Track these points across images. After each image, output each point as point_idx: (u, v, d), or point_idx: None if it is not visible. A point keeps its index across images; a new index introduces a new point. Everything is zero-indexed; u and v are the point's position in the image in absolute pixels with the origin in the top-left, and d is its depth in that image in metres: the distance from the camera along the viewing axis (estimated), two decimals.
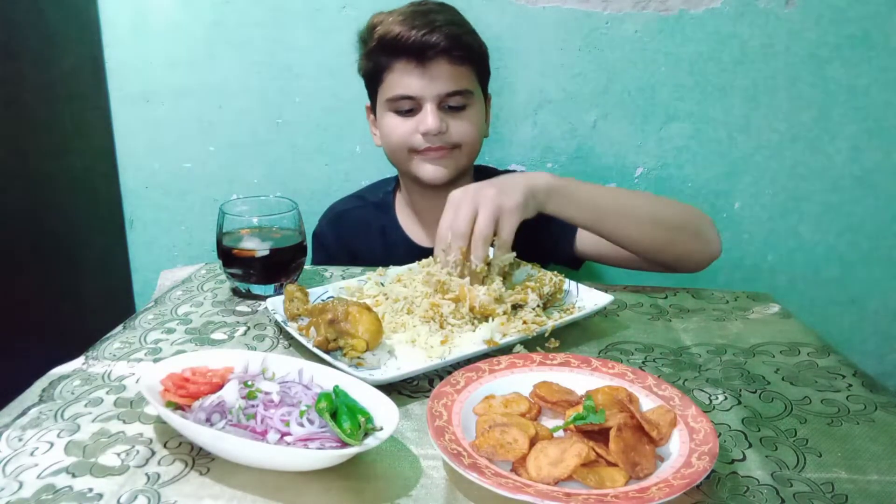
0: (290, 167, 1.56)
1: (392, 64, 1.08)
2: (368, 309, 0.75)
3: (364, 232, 1.25)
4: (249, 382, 0.62)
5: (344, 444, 0.56)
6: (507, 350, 0.77)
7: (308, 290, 0.87)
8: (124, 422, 0.63)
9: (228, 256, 0.94)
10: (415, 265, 0.94)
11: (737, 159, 1.50)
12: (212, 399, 0.59)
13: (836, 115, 1.45)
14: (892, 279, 1.56)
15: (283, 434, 0.57)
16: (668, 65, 1.44)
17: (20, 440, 0.60)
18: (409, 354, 0.75)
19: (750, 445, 0.62)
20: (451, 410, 0.62)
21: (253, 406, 0.59)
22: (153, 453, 0.58)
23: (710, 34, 1.41)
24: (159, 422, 0.63)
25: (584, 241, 1.11)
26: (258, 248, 0.93)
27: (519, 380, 0.68)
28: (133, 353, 0.77)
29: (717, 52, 1.42)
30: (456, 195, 0.87)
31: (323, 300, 0.86)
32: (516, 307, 0.84)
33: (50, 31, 1.35)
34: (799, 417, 0.67)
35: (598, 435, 0.57)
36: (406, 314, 0.83)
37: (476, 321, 0.81)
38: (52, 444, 0.59)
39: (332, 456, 0.55)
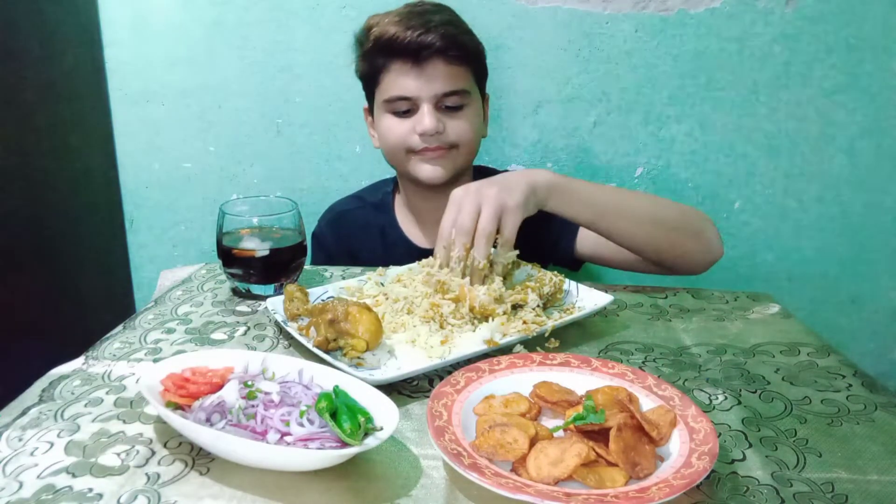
0: (290, 167, 1.56)
1: (388, 65, 1.08)
2: (368, 309, 0.75)
3: (363, 232, 1.25)
4: (249, 382, 0.62)
5: (344, 444, 0.56)
6: (507, 350, 0.77)
7: (308, 290, 0.87)
8: (124, 422, 0.63)
9: (228, 256, 0.94)
10: (415, 265, 0.94)
11: (737, 159, 1.50)
12: (212, 399, 0.59)
13: (835, 115, 1.45)
14: (892, 279, 1.56)
15: (283, 434, 0.57)
16: (668, 65, 1.44)
17: (20, 440, 0.60)
18: (409, 354, 0.75)
19: (750, 445, 0.62)
20: (451, 410, 0.62)
21: (253, 406, 0.59)
22: (153, 453, 0.58)
23: (710, 34, 1.41)
24: (159, 422, 0.63)
25: (585, 242, 1.11)
26: (258, 248, 0.93)
27: (519, 380, 0.68)
28: (133, 353, 0.77)
29: (716, 52, 1.42)
30: (458, 193, 0.87)
31: (323, 300, 0.86)
32: (516, 307, 0.84)
33: (50, 31, 1.35)
34: (799, 417, 0.67)
35: (598, 435, 0.57)
36: (406, 314, 0.83)
37: (476, 321, 0.81)
38: (52, 444, 0.59)
39: (332, 456, 0.55)
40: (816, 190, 1.51)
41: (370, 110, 1.18)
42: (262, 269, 0.94)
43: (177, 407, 0.60)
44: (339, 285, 0.93)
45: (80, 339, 0.81)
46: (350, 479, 0.56)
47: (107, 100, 1.52)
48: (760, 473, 0.57)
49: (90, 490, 0.53)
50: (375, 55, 1.09)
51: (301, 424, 0.57)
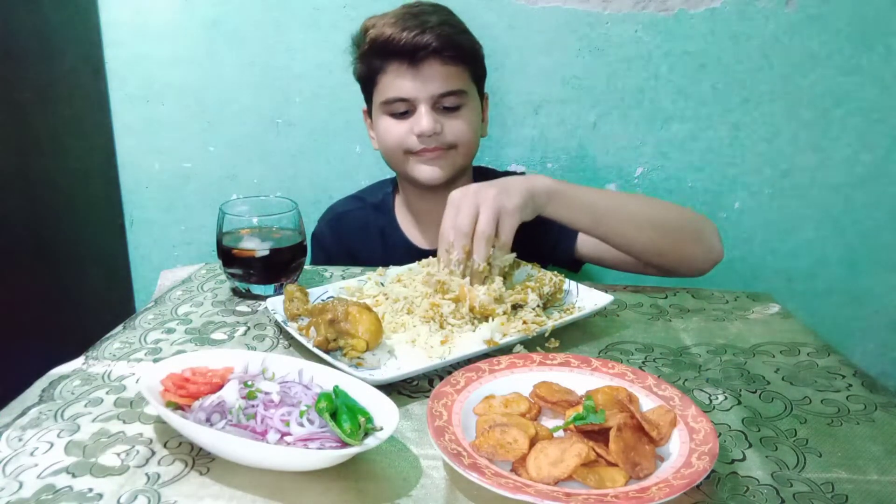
0: (290, 167, 1.56)
1: (385, 66, 1.08)
2: (368, 309, 0.75)
3: (363, 233, 1.25)
4: (249, 382, 0.62)
5: (344, 444, 0.56)
6: (507, 350, 0.77)
7: (308, 290, 0.87)
8: (124, 422, 0.63)
9: (228, 256, 0.94)
10: (415, 265, 0.94)
11: (736, 159, 1.50)
12: (212, 399, 0.59)
13: (835, 115, 1.45)
14: (892, 279, 1.56)
15: (283, 434, 0.57)
16: (668, 65, 1.44)
17: (20, 440, 0.60)
18: (409, 354, 0.75)
19: (750, 445, 0.62)
20: (451, 410, 0.62)
21: (253, 406, 0.59)
22: (153, 453, 0.58)
23: (710, 34, 1.41)
24: (159, 422, 0.63)
25: (585, 244, 1.11)
26: (258, 248, 0.93)
27: (519, 380, 0.68)
28: (133, 353, 0.77)
29: (716, 52, 1.42)
30: (456, 195, 0.87)
31: (323, 300, 0.86)
32: (516, 307, 0.84)
33: (50, 31, 1.35)
34: (799, 417, 0.67)
35: (598, 435, 0.57)
36: (406, 314, 0.83)
37: (476, 321, 0.81)
38: (52, 444, 0.59)
39: (332, 456, 0.55)
40: (816, 190, 1.51)
41: (369, 112, 1.18)
42: (262, 269, 0.94)
43: (177, 407, 0.60)
44: (339, 285, 0.93)
45: (80, 339, 0.81)
46: (350, 479, 0.56)
47: (107, 100, 1.52)
48: (760, 473, 0.57)
49: (90, 490, 0.53)
50: (372, 57, 1.09)
51: (301, 424, 0.57)
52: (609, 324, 0.88)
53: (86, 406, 0.66)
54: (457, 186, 0.90)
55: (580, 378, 0.68)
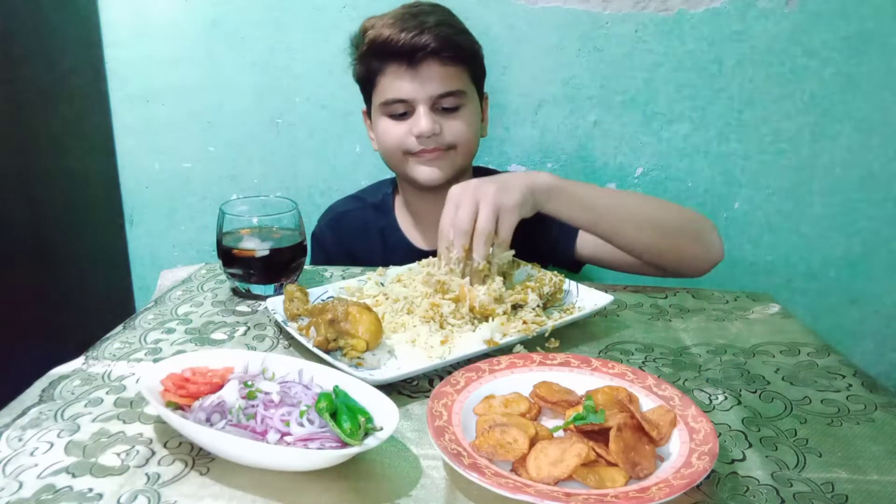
0: (290, 167, 1.56)
1: (384, 68, 1.08)
2: (368, 309, 0.75)
3: (363, 234, 1.25)
4: (249, 382, 0.62)
5: (344, 444, 0.56)
6: (507, 350, 0.77)
7: (308, 290, 0.87)
8: (124, 422, 0.63)
9: (228, 256, 0.94)
10: (415, 265, 0.94)
11: (736, 159, 1.50)
12: (212, 399, 0.59)
13: (835, 115, 1.45)
14: (892, 279, 1.56)
15: (283, 434, 0.57)
16: (668, 65, 1.44)
17: (20, 440, 0.60)
18: (409, 354, 0.75)
19: (750, 445, 0.62)
20: (451, 410, 0.62)
21: (253, 406, 0.59)
22: (153, 453, 0.58)
23: (710, 34, 1.41)
24: (159, 422, 0.63)
25: (585, 244, 1.11)
26: (258, 248, 0.93)
27: (519, 380, 0.68)
28: (133, 353, 0.77)
29: (716, 52, 1.42)
30: (455, 191, 0.87)
31: (323, 300, 0.86)
32: (516, 307, 0.84)
33: (50, 31, 1.35)
34: (799, 417, 0.67)
35: (598, 435, 0.57)
36: (406, 314, 0.83)
37: (476, 321, 0.81)
38: (52, 444, 0.59)
39: (332, 456, 0.55)
40: (816, 190, 1.51)
41: (368, 113, 1.18)
42: (262, 269, 0.94)
43: (177, 407, 0.60)
44: (339, 285, 0.93)
45: (80, 339, 0.81)
46: (350, 479, 0.56)
47: (107, 100, 1.52)
48: (760, 473, 0.57)
49: (90, 490, 0.53)
50: (371, 58, 1.09)
51: (301, 424, 0.57)
52: (609, 324, 0.88)
53: (86, 406, 0.66)
54: None
55: (580, 378, 0.68)
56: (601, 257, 1.10)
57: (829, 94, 1.44)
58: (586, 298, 0.90)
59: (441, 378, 0.69)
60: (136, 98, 1.52)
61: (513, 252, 0.88)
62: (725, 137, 1.48)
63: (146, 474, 0.55)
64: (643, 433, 0.57)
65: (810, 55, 1.42)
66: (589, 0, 1.41)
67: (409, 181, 1.15)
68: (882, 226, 1.52)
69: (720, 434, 0.62)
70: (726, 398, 0.70)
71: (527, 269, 0.93)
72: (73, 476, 0.55)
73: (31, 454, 0.58)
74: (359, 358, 0.73)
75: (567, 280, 0.92)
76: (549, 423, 0.63)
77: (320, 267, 1.09)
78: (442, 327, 0.80)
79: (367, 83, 1.13)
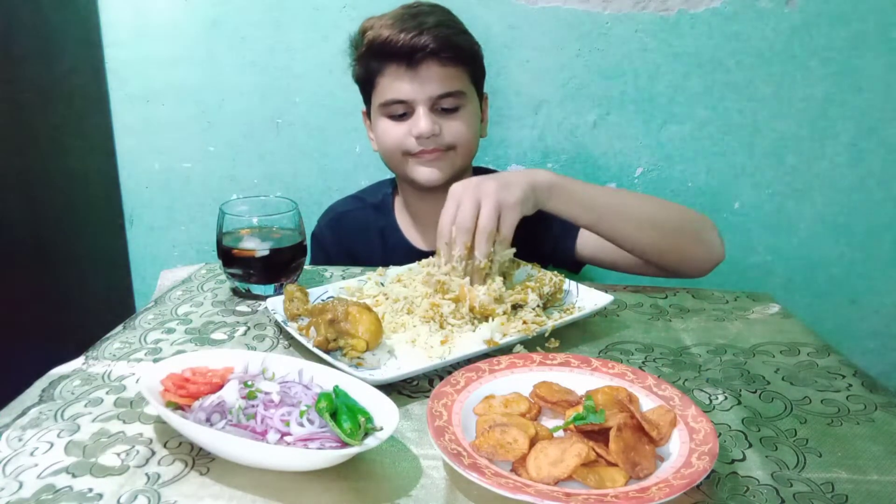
0: (290, 167, 1.56)
1: (383, 69, 1.08)
2: (368, 309, 0.75)
3: (363, 234, 1.25)
4: (249, 382, 0.62)
5: (344, 444, 0.56)
6: (507, 350, 0.77)
7: (308, 290, 0.87)
8: (124, 422, 0.63)
9: (228, 256, 0.94)
10: (415, 265, 0.94)
11: (736, 159, 1.50)
12: (212, 399, 0.59)
13: (835, 115, 1.45)
14: (892, 279, 1.56)
15: (283, 434, 0.57)
16: (668, 65, 1.44)
17: (20, 440, 0.60)
18: (409, 354, 0.75)
19: (750, 445, 0.62)
20: (451, 410, 0.62)
21: (253, 406, 0.59)
22: (153, 453, 0.58)
23: (710, 34, 1.41)
24: (159, 422, 0.63)
25: (585, 244, 1.11)
26: (258, 248, 0.93)
27: (519, 380, 0.68)
28: (133, 353, 0.77)
29: (716, 51, 1.42)
30: (457, 188, 0.87)
31: (323, 300, 0.86)
32: (516, 307, 0.84)
33: (50, 31, 1.35)
34: (799, 417, 0.67)
35: (598, 435, 0.57)
36: (406, 314, 0.83)
37: (476, 321, 0.81)
38: (52, 444, 0.59)
39: (332, 456, 0.55)
40: (816, 190, 1.51)
41: (368, 114, 1.18)
42: (262, 269, 0.94)
43: (177, 407, 0.60)
44: (339, 285, 0.93)
45: (80, 339, 0.81)
46: (350, 479, 0.56)
47: (107, 100, 1.52)
48: (760, 473, 0.57)
49: (90, 490, 0.53)
50: (370, 59, 1.09)
51: (301, 424, 0.57)
52: (609, 324, 0.88)
53: (86, 406, 0.66)
54: None
55: (580, 378, 0.68)
56: (602, 257, 1.10)
57: (829, 94, 1.44)
58: (586, 298, 0.90)
59: (441, 378, 0.69)
60: (136, 98, 1.53)
61: (514, 250, 0.88)
62: (725, 137, 1.48)
63: (146, 474, 0.55)
64: (643, 433, 0.57)
65: (810, 55, 1.42)
66: (589, 0, 1.41)
67: (408, 182, 1.15)
68: (882, 226, 1.52)
69: (720, 434, 0.62)
70: (726, 398, 0.70)
71: (527, 269, 0.93)
72: (73, 476, 0.55)
73: (31, 454, 0.58)
74: (359, 358, 0.73)
75: (567, 280, 0.92)
76: (549, 423, 0.63)
77: (320, 267, 1.09)
78: (442, 327, 0.80)
79: (366, 84, 1.13)
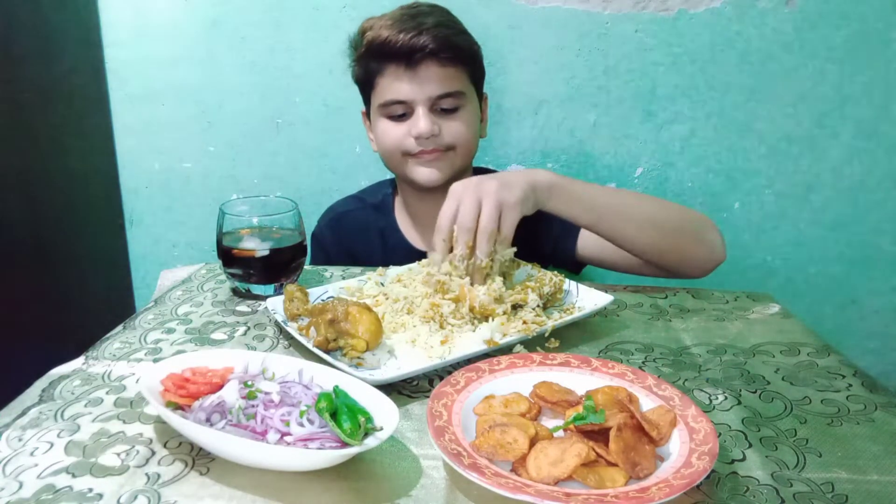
0: (290, 167, 1.56)
1: (382, 69, 1.08)
2: (368, 309, 0.75)
3: (363, 234, 1.25)
4: (249, 382, 0.62)
5: (344, 444, 0.56)
6: (507, 350, 0.77)
7: (308, 290, 0.87)
8: (124, 422, 0.63)
9: (228, 256, 0.94)
10: (415, 265, 0.94)
11: (736, 159, 1.50)
12: (212, 399, 0.59)
13: (835, 115, 1.45)
14: (892, 279, 1.56)
15: (283, 434, 0.57)
16: (668, 65, 1.44)
17: (20, 440, 0.60)
18: (409, 354, 0.75)
19: (750, 445, 0.62)
20: (451, 410, 0.62)
21: (253, 406, 0.59)
22: (153, 453, 0.58)
23: (710, 34, 1.41)
24: (159, 422, 0.63)
25: (586, 244, 1.10)
26: (258, 248, 0.93)
27: (519, 380, 0.68)
28: (133, 353, 0.77)
29: (716, 52, 1.42)
30: (457, 188, 0.87)
31: (323, 300, 0.86)
32: (516, 307, 0.84)
33: (50, 31, 1.35)
34: (799, 417, 0.67)
35: (598, 435, 0.57)
36: (406, 314, 0.83)
37: (476, 321, 0.81)
38: (52, 444, 0.59)
39: (332, 456, 0.55)
40: (816, 190, 1.51)
41: (367, 114, 1.18)
42: (262, 269, 0.94)
43: (177, 407, 0.60)
44: (339, 285, 0.93)
45: (80, 339, 0.81)
46: (350, 479, 0.56)
47: (107, 100, 1.52)
48: (760, 473, 0.57)
49: (90, 490, 0.53)
50: (369, 59, 1.09)
51: (301, 424, 0.57)
52: (609, 324, 0.88)
53: (86, 406, 0.66)
54: None
55: (580, 378, 0.68)
56: (602, 258, 1.09)
57: (830, 93, 1.44)
58: (586, 298, 0.90)
59: (441, 378, 0.69)
60: (136, 98, 1.53)
61: (515, 249, 0.88)
62: (725, 137, 1.48)
63: (146, 474, 0.55)
64: (643, 433, 0.57)
65: (810, 55, 1.42)
66: (589, 0, 1.41)
67: (408, 182, 1.15)
68: (882, 226, 1.52)
69: (720, 434, 0.62)
70: (726, 398, 0.70)
71: (527, 269, 0.93)
72: (73, 476, 0.55)
73: (31, 454, 0.58)
74: (359, 358, 0.73)
75: (567, 280, 0.92)
76: (549, 423, 0.63)
77: (320, 267, 1.09)
78: (442, 327, 0.80)
79: (365, 84, 1.13)
